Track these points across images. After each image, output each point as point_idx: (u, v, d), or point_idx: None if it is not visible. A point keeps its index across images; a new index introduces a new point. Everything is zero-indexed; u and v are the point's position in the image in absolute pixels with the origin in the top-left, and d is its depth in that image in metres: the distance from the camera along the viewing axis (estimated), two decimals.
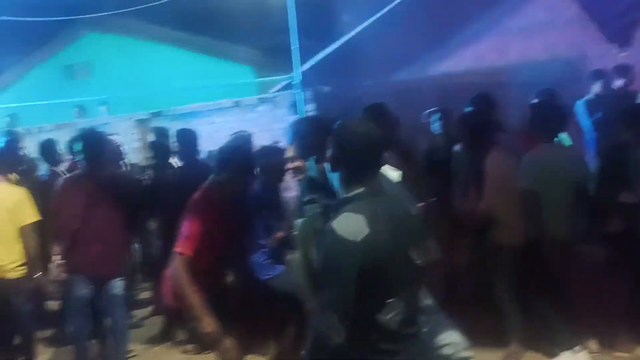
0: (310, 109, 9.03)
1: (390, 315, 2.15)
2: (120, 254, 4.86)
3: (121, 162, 6.07)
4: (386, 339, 2.19)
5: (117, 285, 4.80)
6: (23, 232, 4.70)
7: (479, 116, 4.83)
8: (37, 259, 4.75)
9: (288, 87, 10.00)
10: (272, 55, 12.78)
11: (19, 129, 9.85)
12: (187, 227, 3.61)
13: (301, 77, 8.65)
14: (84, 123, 9.91)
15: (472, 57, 8.81)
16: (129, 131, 9.85)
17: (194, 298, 3.49)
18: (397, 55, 8.78)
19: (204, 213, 3.64)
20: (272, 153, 4.87)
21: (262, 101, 9.81)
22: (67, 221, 4.64)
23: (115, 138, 6.19)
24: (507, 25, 8.72)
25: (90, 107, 11.09)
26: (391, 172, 2.94)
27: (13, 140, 6.53)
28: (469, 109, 5.34)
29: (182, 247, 3.56)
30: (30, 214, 4.73)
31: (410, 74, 8.92)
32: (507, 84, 6.86)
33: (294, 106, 9.28)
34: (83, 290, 4.70)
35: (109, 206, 4.70)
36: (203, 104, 10.03)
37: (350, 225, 2.12)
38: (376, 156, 2.28)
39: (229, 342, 3.61)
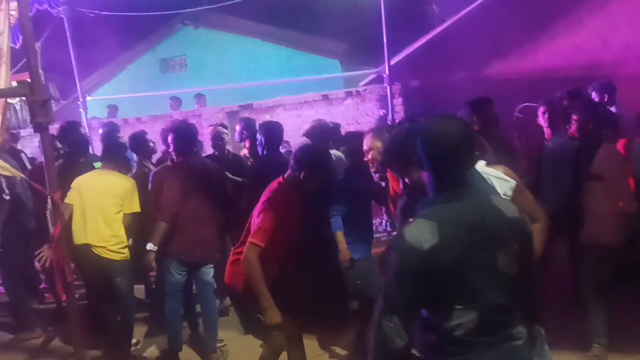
0: (398, 103, 8.97)
1: (457, 322, 2.09)
2: (214, 241, 5.00)
3: (226, 151, 6.18)
4: (452, 344, 2.13)
5: (209, 272, 4.96)
6: (126, 219, 4.95)
7: (595, 108, 4.64)
8: (137, 244, 4.96)
9: (376, 80, 9.98)
10: (359, 49, 12.79)
11: (118, 120, 10.37)
12: (262, 220, 3.68)
13: (390, 71, 8.55)
14: (178, 114, 10.31)
15: (573, 48, 8.40)
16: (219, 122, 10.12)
17: (263, 288, 3.60)
18: (490, 48, 8.54)
19: (280, 208, 3.71)
20: (356, 138, 4.89)
21: (350, 94, 9.83)
22: (162, 209, 4.83)
23: (221, 129, 6.31)
24: (611, 13, 8.23)
25: (184, 99, 11.48)
26: (505, 182, 2.83)
27: (114, 130, 6.85)
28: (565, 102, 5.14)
29: (256, 238, 3.65)
30: (135, 204, 4.97)
31: (505, 67, 8.62)
32: (610, 77, 6.47)
33: (381, 100, 9.25)
34: (178, 275, 4.90)
35: (203, 194, 4.86)
36: (291, 97, 10.17)
37: (420, 232, 2.08)
38: (459, 159, 2.15)
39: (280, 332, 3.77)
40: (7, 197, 5.19)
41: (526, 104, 5.88)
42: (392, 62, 9.06)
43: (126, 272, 5.02)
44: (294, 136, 9.93)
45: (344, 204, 4.49)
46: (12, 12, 4.58)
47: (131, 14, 11.09)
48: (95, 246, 4.85)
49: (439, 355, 2.17)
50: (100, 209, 4.87)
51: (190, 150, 5.03)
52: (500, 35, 8.42)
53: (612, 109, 5.91)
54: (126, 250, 4.96)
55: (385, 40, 8.35)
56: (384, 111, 9.04)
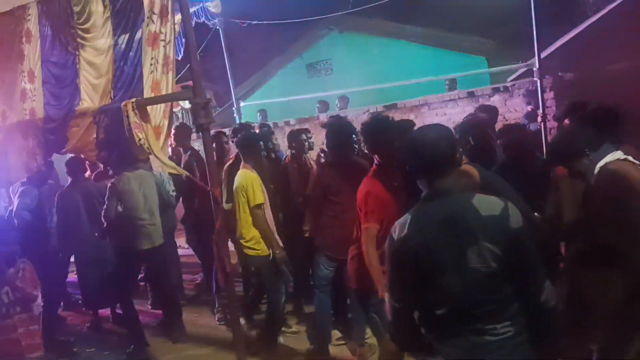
0: (549, 97, 8.56)
1: (432, 309, 2.29)
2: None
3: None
4: (431, 332, 2.36)
5: None
6: (252, 212, 5.11)
7: None
8: (268, 238, 5.12)
9: (525, 75, 9.60)
10: (506, 45, 12.38)
11: (269, 123, 10.85)
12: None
13: (540, 64, 8.17)
14: (325, 117, 10.59)
15: None
16: None
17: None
18: None
19: None
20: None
21: (497, 91, 9.54)
22: (315, 205, 5.02)
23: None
24: None
25: (331, 102, 11.78)
26: None
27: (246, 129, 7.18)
28: None
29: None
30: (255, 197, 5.06)
31: None
32: None
33: (530, 95, 8.87)
34: (326, 270, 5.04)
35: (354, 191, 4.92)
36: (436, 96, 10.07)
37: (398, 224, 2.39)
38: (433, 161, 2.33)
39: None
40: (174, 194, 5.68)
41: None
42: (543, 55, 8.65)
43: (263, 267, 5.23)
44: None
45: None
46: (175, 26, 5.00)
47: (280, 22, 11.56)
48: (240, 241, 5.17)
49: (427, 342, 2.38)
50: (237, 206, 5.15)
51: (345, 148, 5.04)
52: None
53: None
54: (259, 247, 5.14)
55: (535, 31, 8.00)
56: (532, 106, 8.67)
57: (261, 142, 5.41)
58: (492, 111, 6.20)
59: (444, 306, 2.27)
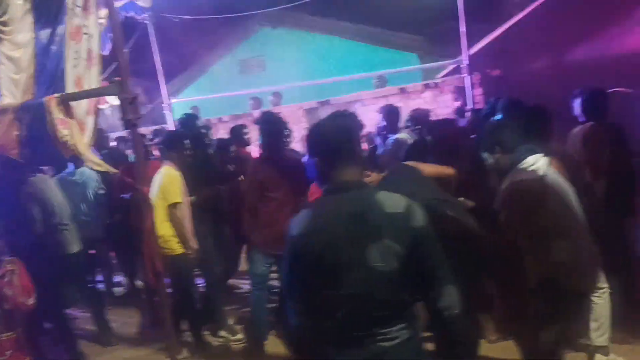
0: (478, 93, 8.81)
1: (326, 311, 2.15)
2: None
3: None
4: (325, 334, 2.20)
5: None
6: (168, 210, 4.99)
7: None
8: (184, 237, 5.04)
9: (455, 72, 9.85)
10: (438, 42, 12.65)
11: (201, 120, 10.69)
12: None
13: (469, 61, 8.40)
14: (258, 113, 10.54)
15: None
16: (298, 120, 10.28)
17: None
18: (573, 33, 8.22)
19: None
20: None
21: (428, 87, 9.75)
22: (250, 201, 4.98)
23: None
24: None
25: (264, 98, 11.74)
26: None
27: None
28: None
29: None
30: (174, 195, 4.96)
31: (589, 52, 8.27)
32: None
33: (459, 91, 9.12)
34: (262, 267, 5.02)
35: (286, 189, 4.90)
36: (369, 92, 10.18)
37: (295, 220, 2.26)
38: (332, 155, 2.23)
39: None
40: (102, 192, 5.51)
41: (615, 89, 5.64)
42: (471, 52, 8.90)
43: (172, 266, 5.08)
44: (370, 129, 9.97)
45: None
46: (101, 20, 4.84)
47: (212, 17, 11.40)
48: (159, 240, 4.97)
49: (318, 345, 2.23)
50: (156, 203, 4.98)
51: (277, 143, 5.07)
52: (584, 19, 8.09)
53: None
54: (169, 245, 5.02)
55: (463, 28, 8.22)
56: (460, 102, 8.92)
57: (186, 140, 5.30)
58: (395, 111, 6.39)
59: (341, 308, 2.14)
